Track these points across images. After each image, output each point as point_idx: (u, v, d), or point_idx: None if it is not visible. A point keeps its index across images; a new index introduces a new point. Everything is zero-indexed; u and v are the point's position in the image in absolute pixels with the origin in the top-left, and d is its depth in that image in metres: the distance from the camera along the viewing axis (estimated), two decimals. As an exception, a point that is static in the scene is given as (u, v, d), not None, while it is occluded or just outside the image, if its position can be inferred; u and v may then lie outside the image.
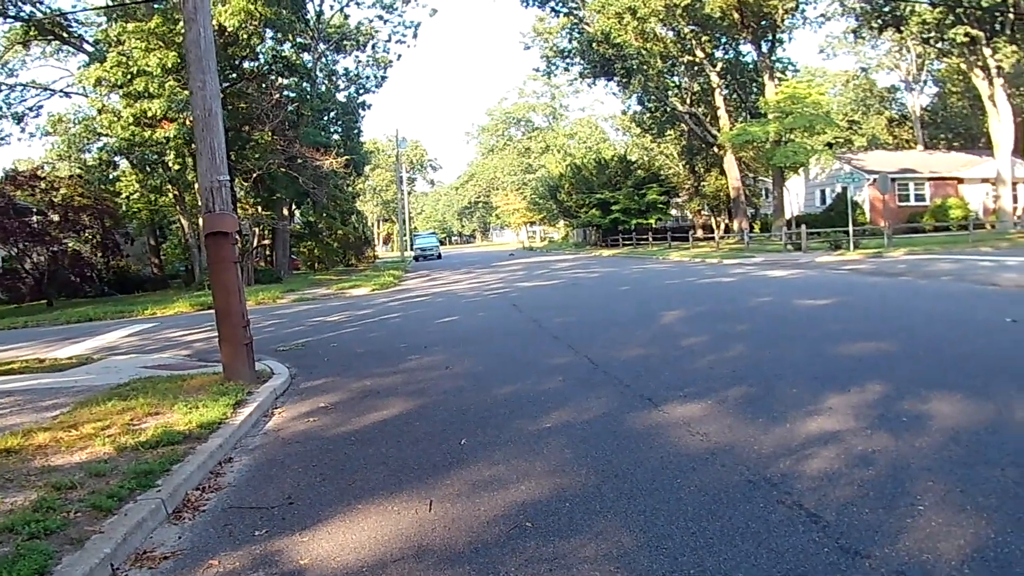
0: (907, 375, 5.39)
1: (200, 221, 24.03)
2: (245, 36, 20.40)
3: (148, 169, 22.83)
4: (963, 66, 32.98)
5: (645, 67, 35.95)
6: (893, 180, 34.22)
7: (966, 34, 27.66)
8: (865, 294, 11.60)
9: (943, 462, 3.49)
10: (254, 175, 24.26)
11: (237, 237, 7.25)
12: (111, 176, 28.29)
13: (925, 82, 51.55)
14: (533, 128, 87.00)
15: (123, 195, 26.73)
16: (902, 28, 30.48)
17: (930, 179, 37.91)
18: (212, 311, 17.52)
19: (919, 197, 37.67)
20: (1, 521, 3.36)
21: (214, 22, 14.78)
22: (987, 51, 28.55)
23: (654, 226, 43.60)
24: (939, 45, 31.51)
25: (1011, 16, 27.11)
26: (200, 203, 7.40)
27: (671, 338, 8.09)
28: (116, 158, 26.38)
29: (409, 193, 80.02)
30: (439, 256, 51.29)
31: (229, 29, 20.17)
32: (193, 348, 10.54)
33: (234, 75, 22.51)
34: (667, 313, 10.33)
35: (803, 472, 3.53)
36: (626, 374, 6.24)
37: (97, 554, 3.05)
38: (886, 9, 30.05)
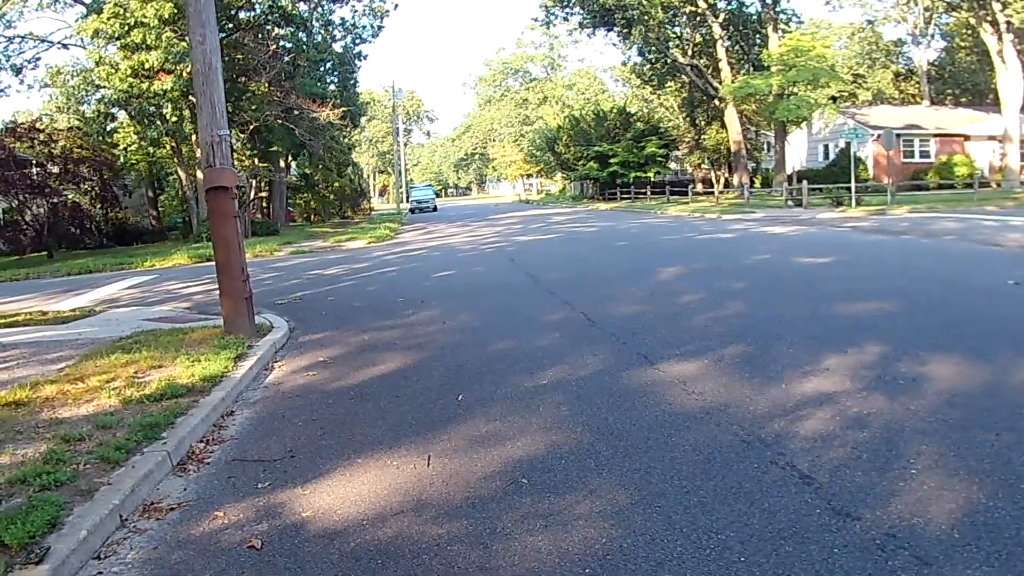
0: (905, 336, 5.42)
1: (198, 174, 23.94)
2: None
3: (146, 121, 22.52)
4: (972, 20, 32.20)
5: (646, 17, 35.04)
6: (898, 136, 33.80)
7: (976, -13, 26.93)
8: (866, 253, 11.58)
9: (938, 425, 3.54)
10: (251, 127, 23.89)
11: (236, 191, 7.17)
12: (109, 128, 27.93)
13: (933, 36, 50.32)
14: (531, 79, 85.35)
15: (121, 147, 26.43)
16: (912, -20, 29.62)
17: (936, 135, 37.41)
18: (210, 263, 17.50)
19: (924, 154, 37.26)
20: (13, 473, 3.43)
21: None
22: (996, 5, 27.83)
23: (653, 179, 43.18)
24: (947, -1, 30.70)
25: None
26: (200, 157, 7.31)
27: (668, 295, 8.11)
28: (114, 110, 26.02)
29: (405, 144, 78.97)
30: (435, 208, 50.94)
31: (226, -21, 19.64)
32: (193, 300, 10.56)
33: (230, 26, 21.98)
34: (665, 269, 10.32)
35: (797, 433, 3.58)
36: (622, 331, 6.27)
37: (106, 505, 3.11)
38: (897, -41, 29.14)
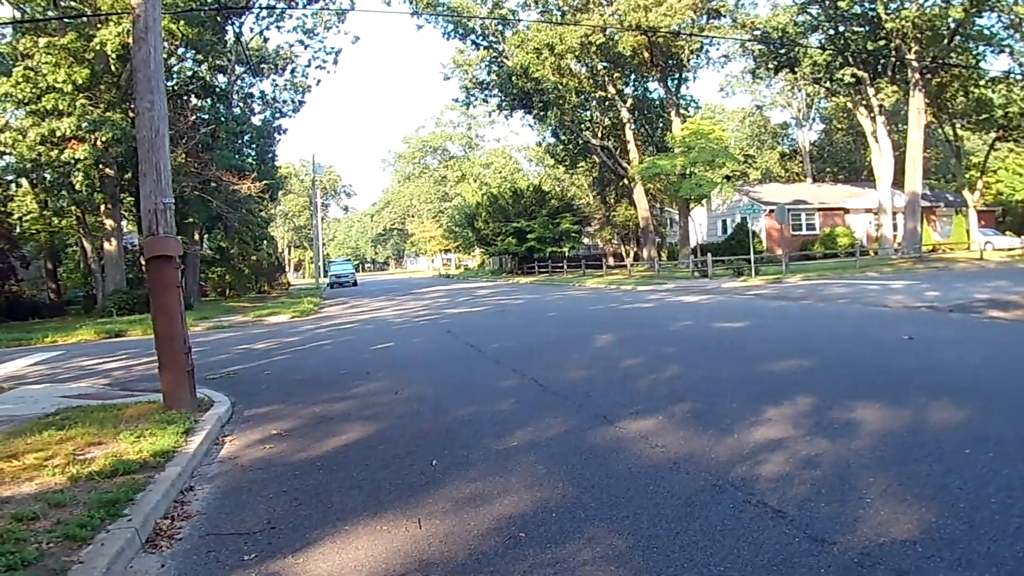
0: (828, 388, 5.97)
1: (105, 245, 22.84)
2: (164, 56, 19.73)
3: (53, 190, 21.41)
4: (849, 104, 36.40)
5: (561, 101, 37.37)
6: (788, 210, 37.01)
7: (852, 75, 30.65)
8: (774, 317, 12.55)
9: (877, 461, 3.97)
10: (165, 198, 23.20)
11: (179, 261, 7.05)
12: (4, 196, 26.33)
13: (813, 119, 56.58)
14: (449, 157, 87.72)
15: (15, 216, 24.86)
16: (796, 69, 33.36)
17: (820, 209, 41.29)
18: (119, 339, 16.56)
19: (810, 226, 40.90)
20: (-28, 556, 3.20)
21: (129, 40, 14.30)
22: (871, 91, 31.67)
23: (567, 254, 44.96)
24: (828, 85, 34.72)
25: (893, 59, 30.27)
26: (143, 226, 7.15)
27: (608, 360, 8.49)
28: (10, 177, 24.60)
29: (322, 219, 78.36)
30: (355, 283, 50.45)
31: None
32: (112, 377, 9.99)
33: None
34: (598, 337, 10.76)
35: (760, 475, 3.91)
36: (575, 394, 6.53)
37: (86, 585, 2.97)
38: (782, 51, 32.83)
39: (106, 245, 22.93)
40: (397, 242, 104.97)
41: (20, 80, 17.61)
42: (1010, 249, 34.09)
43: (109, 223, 22.60)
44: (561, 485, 4.04)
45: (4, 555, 3.17)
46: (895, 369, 6.74)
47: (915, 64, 29.78)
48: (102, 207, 22.24)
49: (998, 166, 45.43)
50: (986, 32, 31.21)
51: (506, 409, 6.15)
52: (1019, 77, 32.76)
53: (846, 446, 4.31)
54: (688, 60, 36.82)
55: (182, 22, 19.27)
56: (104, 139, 18.23)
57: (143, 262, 7.60)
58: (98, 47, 18.13)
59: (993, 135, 38.83)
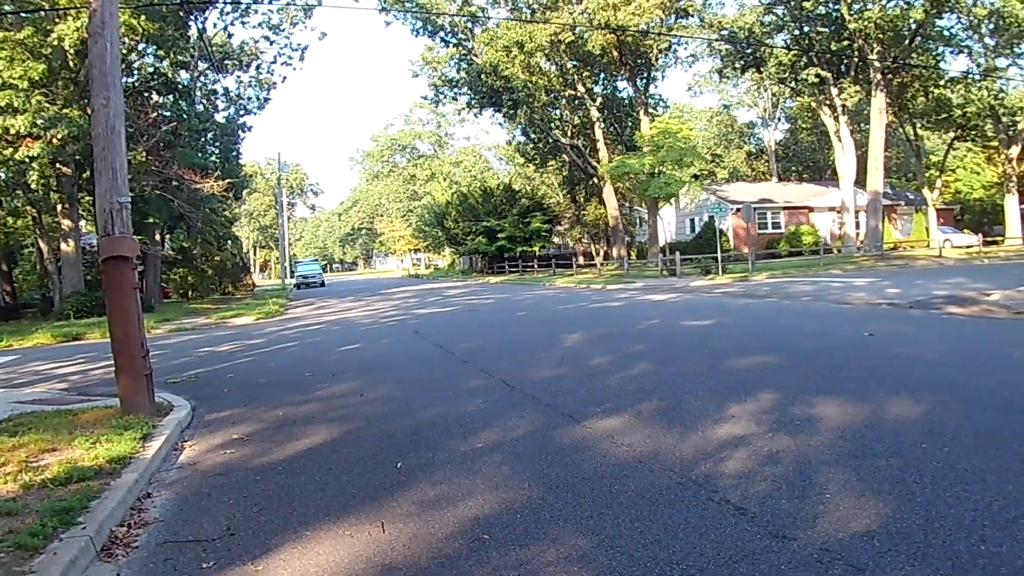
0: (791, 384, 6.07)
1: (62, 246, 22.16)
2: (124, 52, 19.21)
3: (7, 190, 20.64)
4: (813, 104, 37.18)
5: (531, 99, 37.40)
6: (754, 209, 37.63)
7: (817, 75, 31.29)
8: (740, 314, 12.72)
9: (837, 456, 4.04)
10: (125, 197, 22.59)
11: (138, 262, 6.86)
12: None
13: (779, 119, 57.68)
14: (419, 155, 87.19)
15: (-36, 216, 23.97)
16: (762, 69, 33.94)
17: (785, 208, 42.05)
18: (77, 343, 16.11)
19: (776, 225, 41.63)
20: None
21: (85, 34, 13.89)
22: (834, 91, 32.37)
23: (538, 253, 45.05)
24: (793, 85, 35.42)
25: (855, 59, 30.96)
26: (98, 225, 6.94)
27: (577, 359, 8.50)
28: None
29: (288, 219, 77.28)
30: (323, 284, 49.85)
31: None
32: (69, 381, 9.70)
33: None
34: (568, 336, 10.78)
35: (723, 472, 3.94)
36: (543, 394, 6.52)
37: (36, 598, 2.87)
38: (748, 51, 33.36)
39: (63, 246, 22.26)
40: (366, 242, 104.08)
41: (-29, 77, 16.97)
42: (968, 247, 35.11)
43: (66, 223, 21.94)
44: (526, 486, 4.02)
45: (-52, 568, 3.04)
46: (856, 365, 6.88)
47: (877, 64, 30.49)
48: (59, 207, 21.59)
49: (957, 165, 46.87)
50: (946, 33, 32.16)
51: (473, 410, 6.11)
52: (977, 77, 33.78)
53: (807, 442, 4.37)
54: (656, 59, 37.17)
55: (143, 17, 18.76)
56: (60, 136, 17.68)
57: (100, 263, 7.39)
58: (56, 42, 17.57)
59: (952, 135, 39.99)
